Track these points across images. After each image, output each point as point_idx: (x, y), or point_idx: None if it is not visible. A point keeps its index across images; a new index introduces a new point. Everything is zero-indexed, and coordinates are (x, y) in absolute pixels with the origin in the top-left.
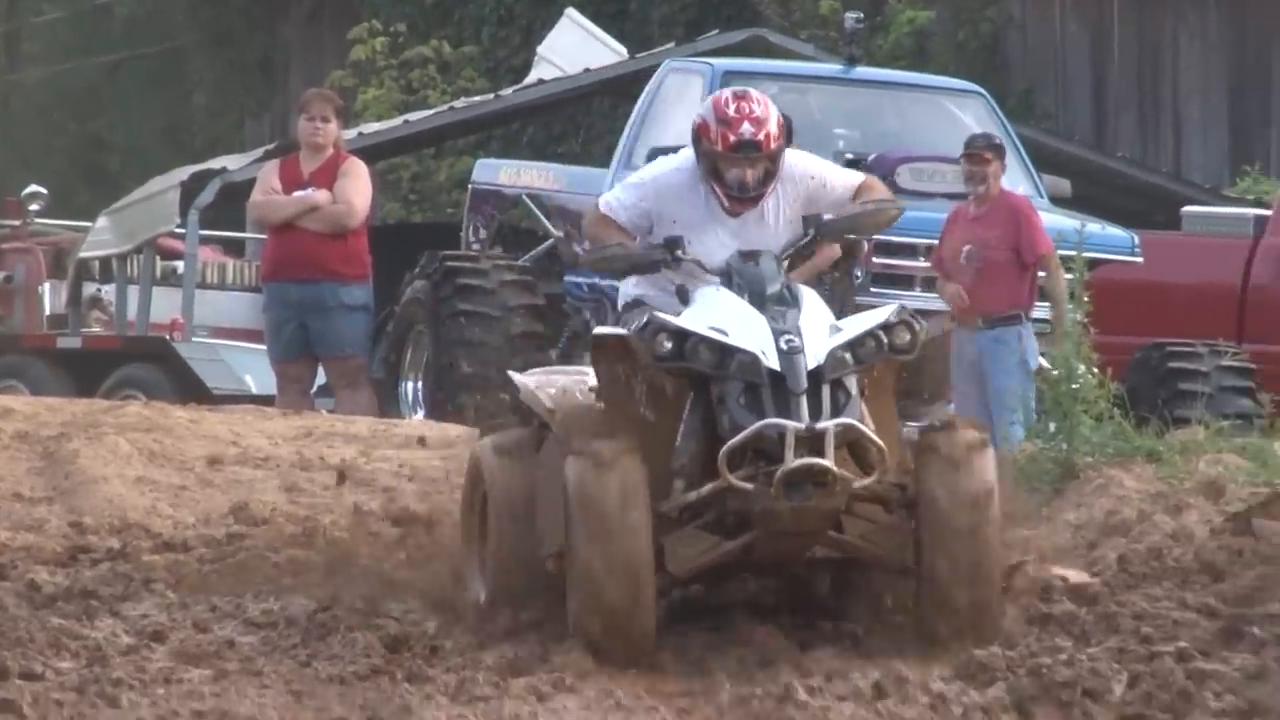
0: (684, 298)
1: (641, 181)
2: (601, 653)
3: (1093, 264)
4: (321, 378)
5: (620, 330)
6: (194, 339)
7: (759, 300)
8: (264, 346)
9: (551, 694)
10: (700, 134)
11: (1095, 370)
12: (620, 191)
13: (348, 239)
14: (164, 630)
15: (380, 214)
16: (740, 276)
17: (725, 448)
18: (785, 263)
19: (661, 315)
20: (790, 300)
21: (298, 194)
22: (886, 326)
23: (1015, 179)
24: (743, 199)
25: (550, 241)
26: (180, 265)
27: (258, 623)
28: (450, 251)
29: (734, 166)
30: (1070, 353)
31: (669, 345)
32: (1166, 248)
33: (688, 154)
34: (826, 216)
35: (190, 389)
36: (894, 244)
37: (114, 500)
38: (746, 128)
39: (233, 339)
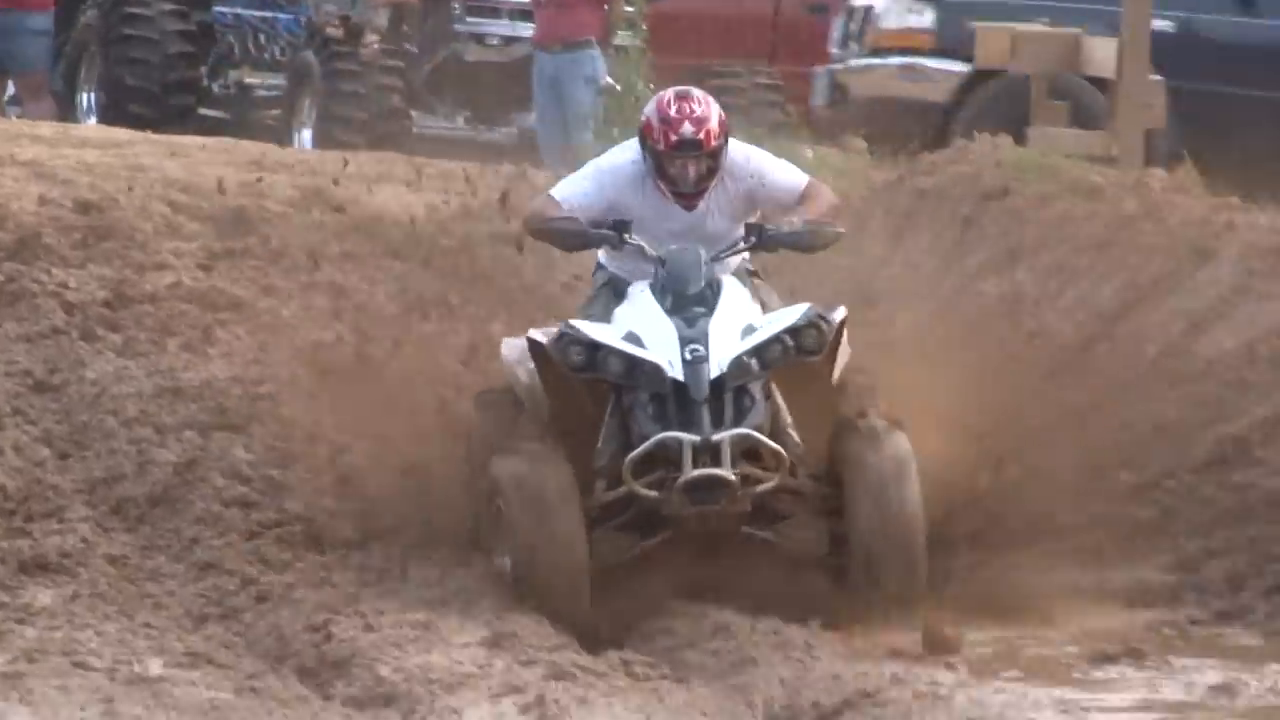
0: (619, 292)
1: (599, 171)
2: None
3: None
4: (11, 90)
5: (541, 337)
6: None
7: (680, 300)
8: None
9: None
10: (645, 133)
11: (651, 87)
12: (576, 182)
13: None
14: None
15: None
16: (668, 273)
17: (628, 458)
18: (713, 263)
19: (576, 325)
20: (709, 300)
21: None
22: (794, 330)
23: None
24: (685, 194)
25: None
26: None
27: None
28: None
29: (676, 164)
30: (631, 72)
31: (580, 358)
32: None
33: (635, 144)
34: (769, 228)
35: None
36: None
37: None
38: (687, 127)
39: None
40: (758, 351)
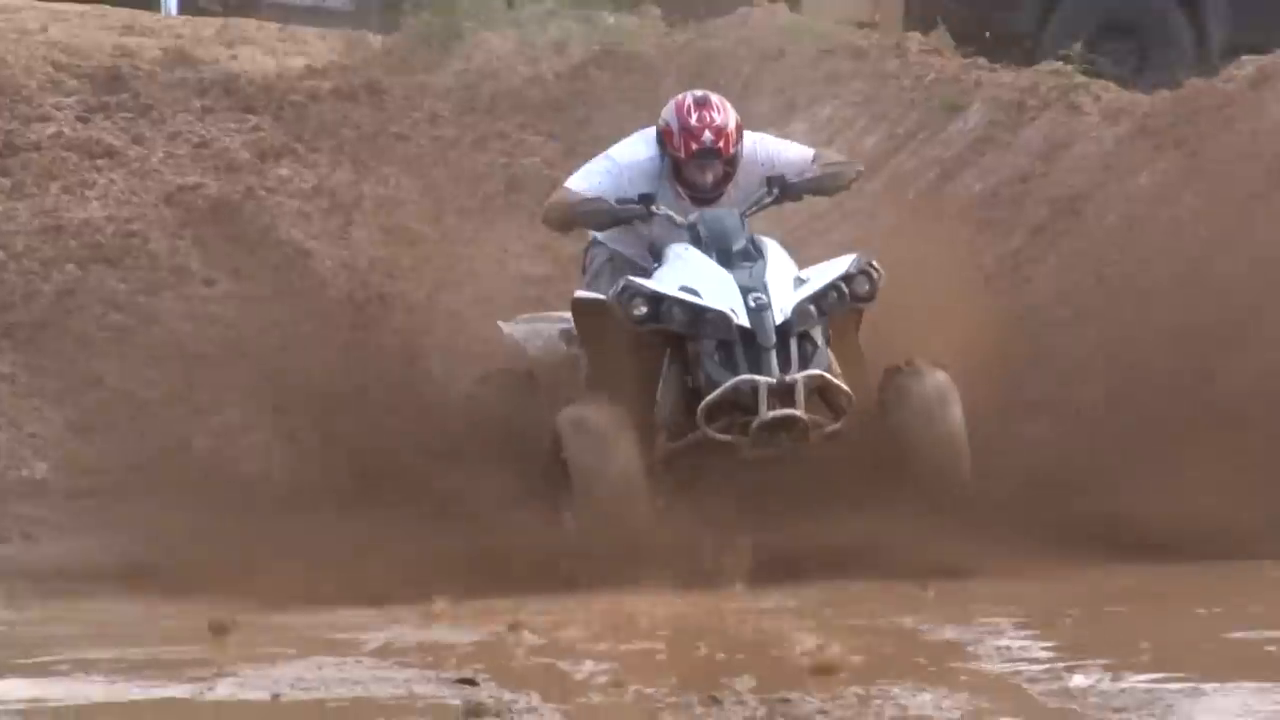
0: (656, 254)
1: (616, 165)
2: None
3: None
4: None
5: (598, 295)
6: None
7: (725, 256)
8: None
9: None
10: (665, 138)
11: None
12: (591, 175)
13: None
14: None
15: None
16: (707, 232)
17: (703, 403)
18: (747, 220)
19: (637, 280)
20: (755, 255)
21: None
22: (847, 277)
23: None
24: (702, 198)
25: None
26: None
27: None
28: None
29: (695, 171)
30: None
31: (644, 309)
32: None
33: (653, 139)
34: (790, 178)
35: None
36: None
37: None
38: (708, 136)
39: None
40: (816, 299)
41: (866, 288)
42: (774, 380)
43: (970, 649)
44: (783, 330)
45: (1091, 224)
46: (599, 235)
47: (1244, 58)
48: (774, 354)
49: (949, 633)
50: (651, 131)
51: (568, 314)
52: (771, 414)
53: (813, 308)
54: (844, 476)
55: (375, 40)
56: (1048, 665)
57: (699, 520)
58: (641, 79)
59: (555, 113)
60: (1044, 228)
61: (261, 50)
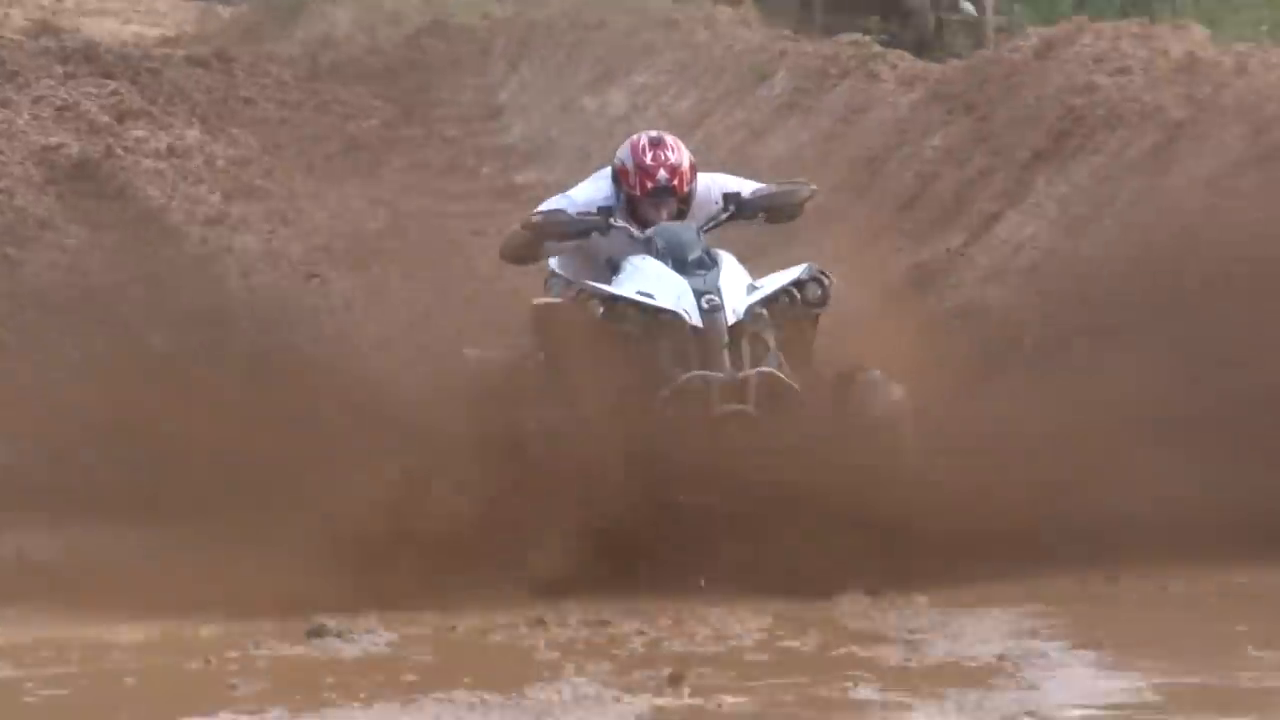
0: (614, 267)
1: (572, 202)
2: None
3: None
4: None
5: (554, 300)
6: None
7: (681, 265)
8: None
9: None
10: (620, 177)
11: None
12: (550, 205)
13: None
14: None
15: None
16: (664, 244)
17: (658, 398)
18: (703, 234)
19: (593, 284)
20: (709, 264)
21: None
22: (799, 283)
23: None
24: None
25: None
26: None
27: None
28: None
29: (650, 209)
30: None
31: (600, 310)
32: None
33: (609, 178)
34: (745, 195)
35: None
36: None
37: None
38: (662, 174)
39: None
40: (767, 302)
41: (818, 293)
42: (723, 376)
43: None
44: (734, 331)
45: (889, 181)
46: (555, 266)
47: (1030, 29)
48: (726, 353)
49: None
50: (607, 171)
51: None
52: (723, 409)
53: (764, 311)
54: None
55: (224, 12)
56: None
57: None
58: (471, 48)
59: (391, 79)
60: (844, 185)
61: (119, 20)
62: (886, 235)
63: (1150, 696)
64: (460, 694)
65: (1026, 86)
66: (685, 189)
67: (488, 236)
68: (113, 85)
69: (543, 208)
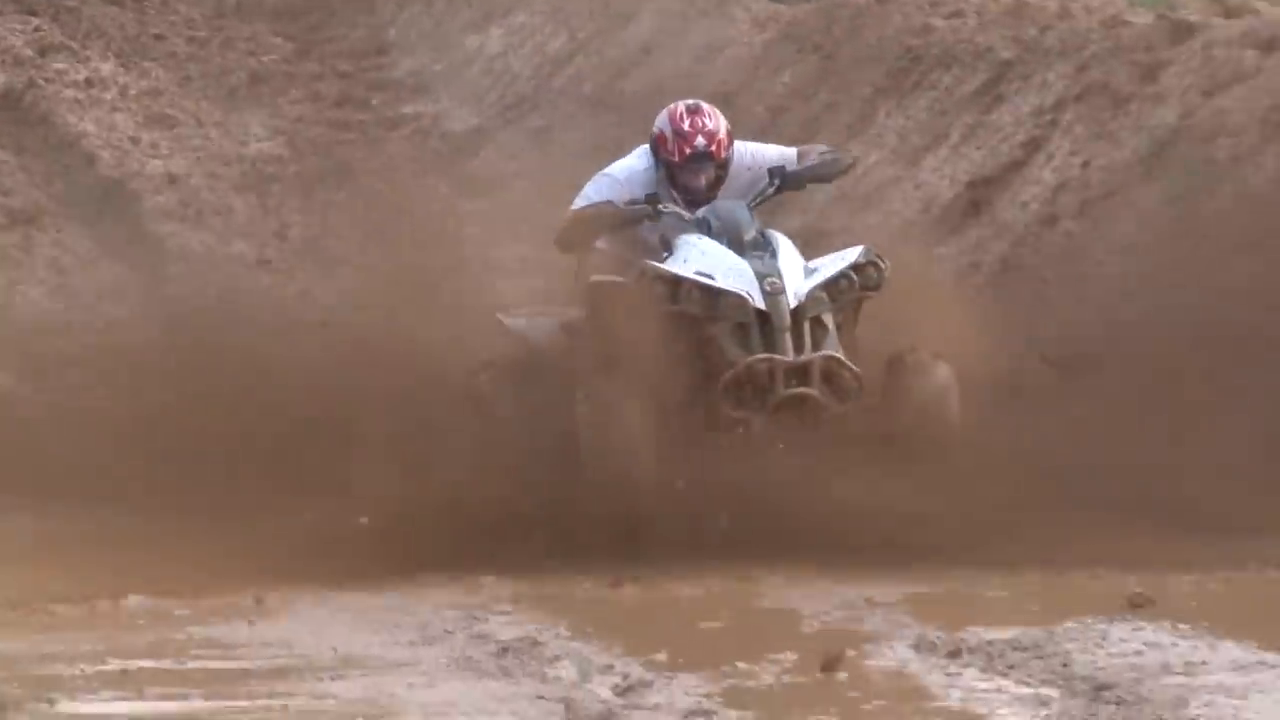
0: (667, 245)
1: (613, 179)
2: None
3: None
4: None
5: (617, 278)
6: None
7: (738, 245)
8: None
9: None
10: (658, 144)
11: None
12: (591, 193)
13: None
14: None
15: None
16: (719, 223)
17: (723, 380)
18: (755, 212)
19: (655, 264)
20: (766, 244)
21: None
22: (857, 267)
23: None
24: (696, 200)
25: None
26: None
27: None
28: None
29: (689, 174)
30: None
31: (662, 290)
32: None
33: (647, 151)
34: (789, 168)
35: None
36: None
37: None
38: (700, 141)
39: None
40: (828, 285)
41: (875, 276)
42: (790, 360)
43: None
44: (796, 314)
45: (741, 115)
46: (600, 241)
47: None
48: (789, 336)
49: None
50: (644, 147)
51: (566, 309)
52: (788, 391)
53: (824, 294)
54: (844, 459)
55: None
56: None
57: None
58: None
59: (291, 18)
60: None
61: None
62: None
63: None
64: None
65: (869, 28)
66: (723, 155)
67: (377, 160)
68: (36, 22)
69: (588, 193)
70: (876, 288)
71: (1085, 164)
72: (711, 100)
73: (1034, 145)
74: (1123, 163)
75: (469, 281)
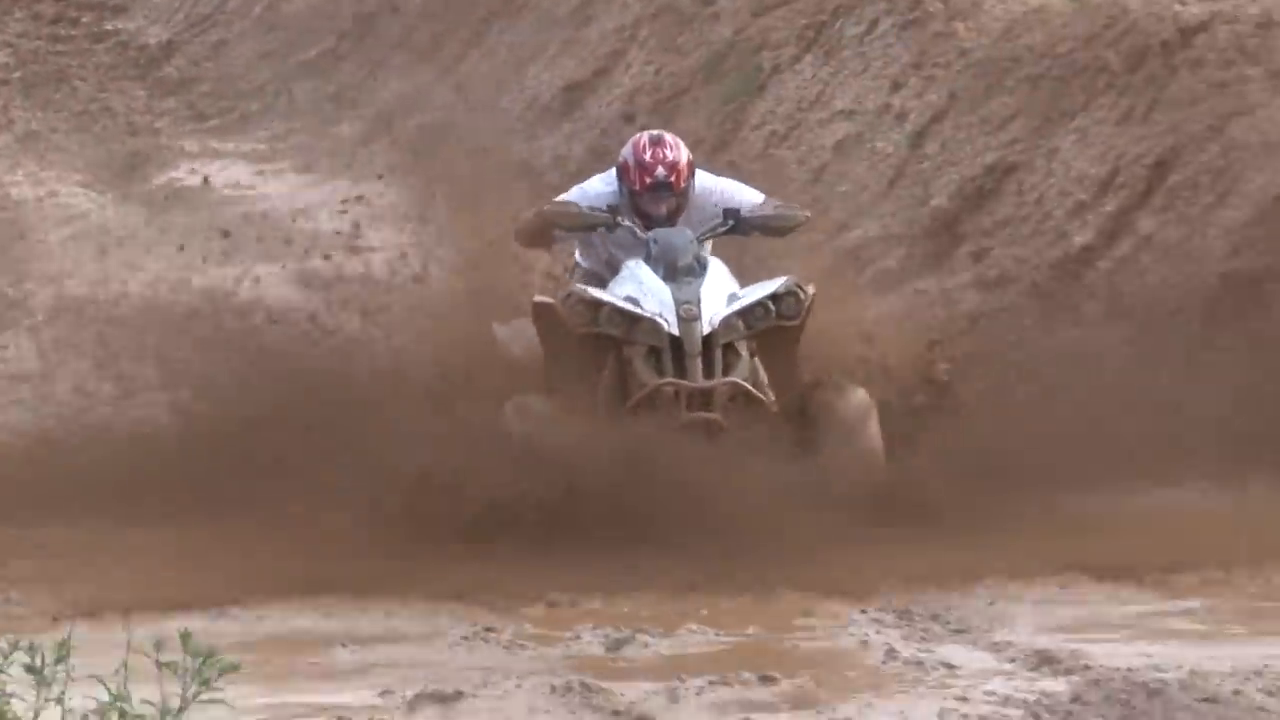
0: (614, 269)
1: (583, 194)
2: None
3: None
4: None
5: (549, 299)
6: None
7: (671, 271)
8: None
9: None
10: (623, 172)
11: None
12: (565, 194)
13: None
14: None
15: None
16: (659, 249)
17: (629, 402)
18: (699, 242)
19: (581, 287)
20: (697, 271)
21: None
22: (775, 296)
23: None
24: (656, 226)
25: None
26: None
27: None
28: None
29: (650, 203)
30: None
31: (584, 315)
32: None
33: (614, 176)
34: (744, 212)
35: None
36: None
37: None
38: (660, 171)
39: None
40: (743, 314)
41: (793, 307)
42: (695, 385)
43: None
44: (709, 340)
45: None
46: (579, 258)
47: None
48: (699, 361)
49: None
50: (611, 171)
51: None
52: (690, 415)
53: (740, 322)
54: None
55: None
56: None
57: None
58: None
59: None
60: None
61: None
62: None
63: None
64: None
65: None
66: (682, 185)
67: (86, 70)
68: None
69: (559, 198)
70: (794, 317)
71: (658, 71)
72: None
73: (617, 56)
74: (687, 70)
75: (164, 160)
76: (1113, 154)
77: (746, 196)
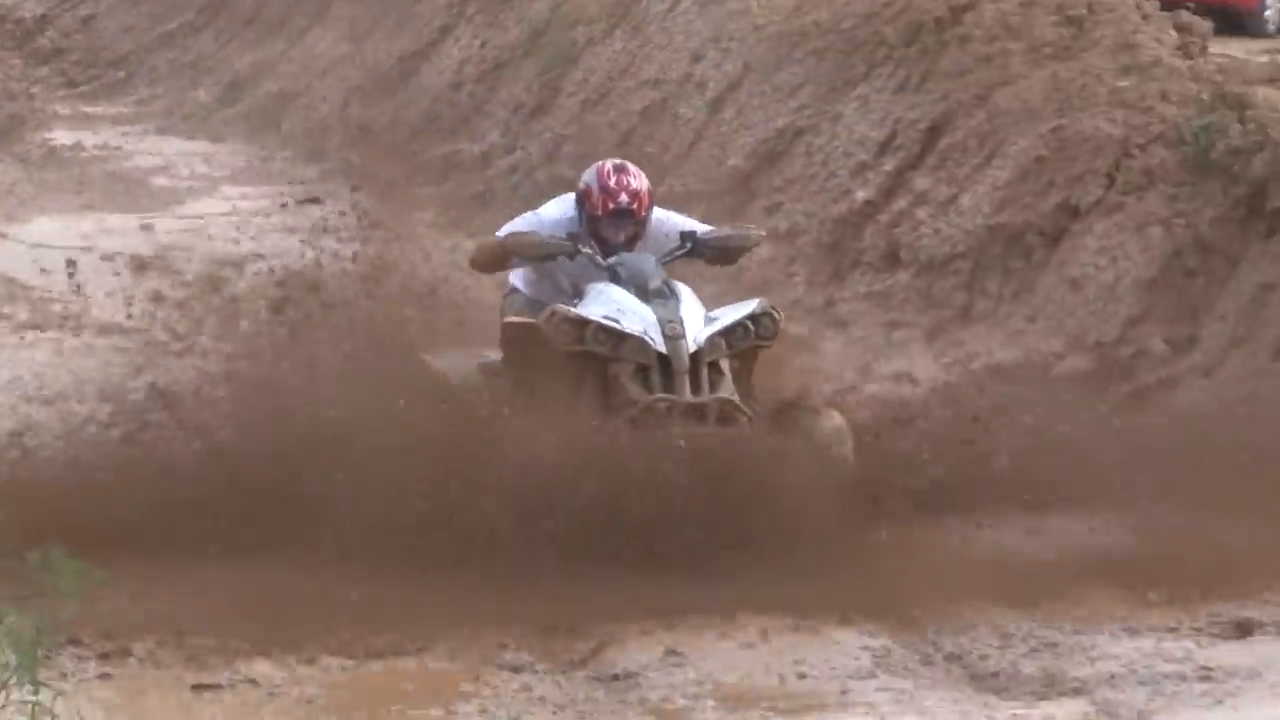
0: (577, 292)
1: (540, 220)
2: None
3: None
4: None
5: (528, 319)
6: None
7: (643, 293)
8: None
9: None
10: (584, 197)
11: None
12: (522, 220)
13: None
14: None
15: None
16: (627, 273)
17: (624, 417)
18: (662, 266)
19: (564, 306)
20: (670, 293)
21: None
22: (753, 317)
23: None
24: (612, 253)
25: None
26: None
27: None
28: None
29: (610, 228)
30: None
31: (569, 334)
32: None
33: (573, 202)
34: (700, 234)
35: None
36: None
37: None
38: (623, 198)
39: None
40: (725, 333)
41: (770, 327)
42: (688, 400)
43: None
44: (694, 358)
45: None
46: (518, 283)
47: None
48: (686, 378)
49: None
50: (570, 196)
51: (484, 350)
52: (685, 430)
53: (722, 341)
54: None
55: None
56: None
57: None
58: None
59: None
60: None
61: None
62: None
63: None
64: None
65: None
66: (643, 213)
67: None
68: None
69: (514, 224)
70: (771, 338)
71: (483, 44)
72: None
73: (446, 30)
74: (510, 43)
75: (39, 123)
76: (891, 119)
77: (694, 224)
